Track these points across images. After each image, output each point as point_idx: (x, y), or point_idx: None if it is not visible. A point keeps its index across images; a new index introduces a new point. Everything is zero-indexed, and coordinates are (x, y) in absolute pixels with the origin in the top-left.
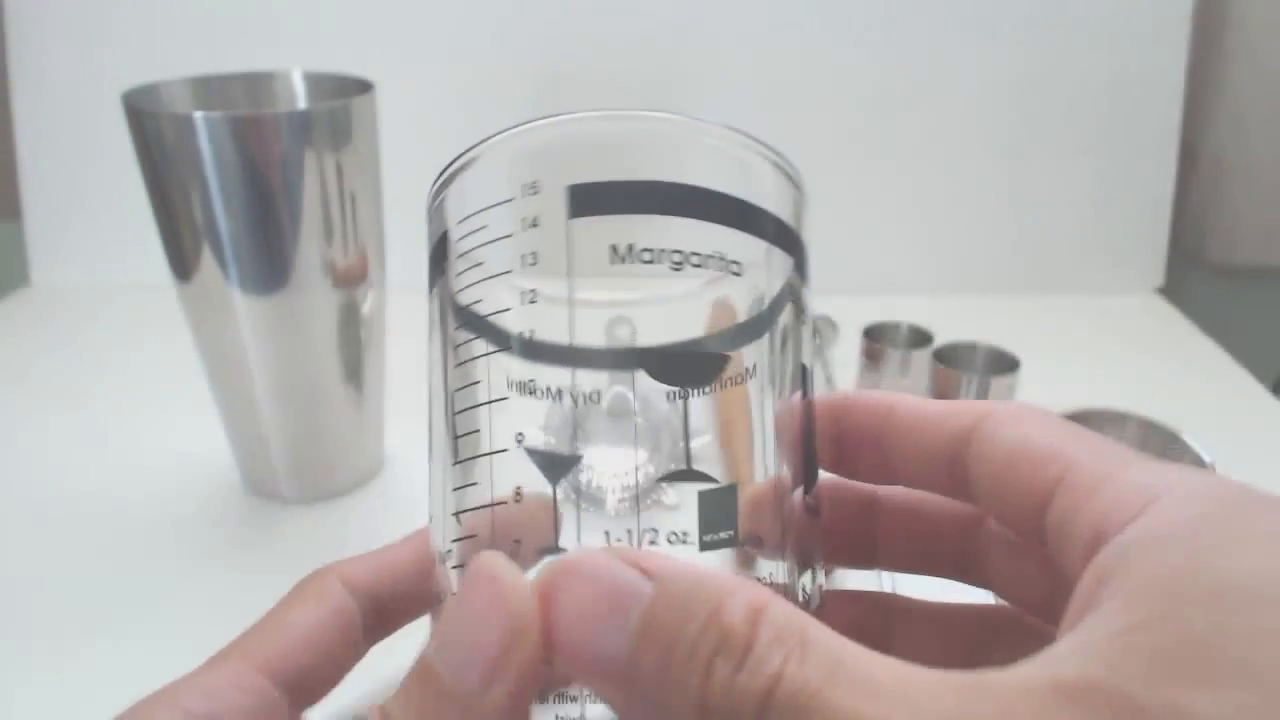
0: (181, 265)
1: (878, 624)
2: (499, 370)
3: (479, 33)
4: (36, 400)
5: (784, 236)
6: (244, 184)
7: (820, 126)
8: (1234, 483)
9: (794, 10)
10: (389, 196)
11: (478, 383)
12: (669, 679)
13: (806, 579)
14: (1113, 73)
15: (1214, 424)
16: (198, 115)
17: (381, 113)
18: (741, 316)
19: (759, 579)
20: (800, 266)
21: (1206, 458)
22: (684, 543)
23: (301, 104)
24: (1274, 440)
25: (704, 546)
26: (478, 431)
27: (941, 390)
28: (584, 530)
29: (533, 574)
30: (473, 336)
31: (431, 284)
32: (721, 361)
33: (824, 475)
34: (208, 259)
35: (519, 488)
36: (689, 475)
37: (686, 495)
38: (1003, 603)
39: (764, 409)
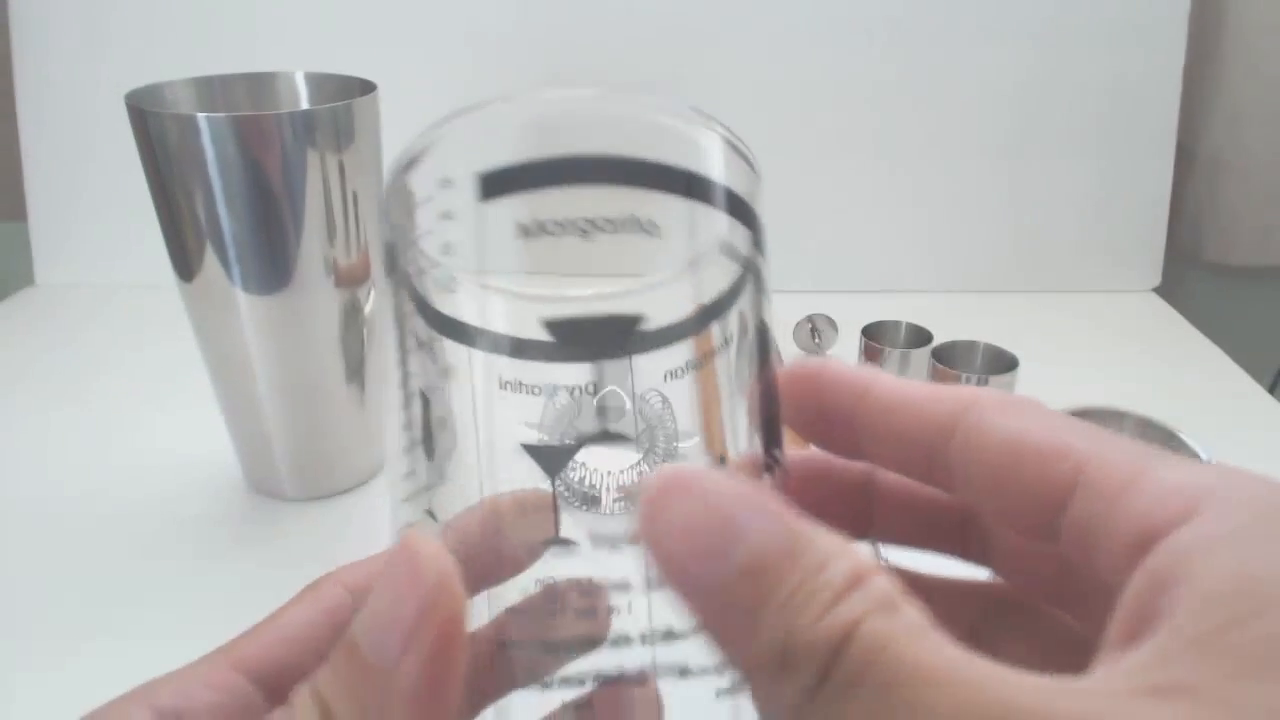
0: (184, 265)
1: None
2: (479, 368)
3: (481, 33)
4: (41, 399)
5: (737, 208)
6: (247, 184)
7: (820, 126)
8: (1273, 481)
9: (794, 11)
10: None
11: (453, 381)
12: (759, 615)
13: None
14: (1111, 74)
15: (1211, 422)
16: (201, 116)
17: (384, 113)
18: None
19: None
20: (758, 242)
21: (1203, 456)
22: None
23: (304, 105)
24: (1271, 439)
25: None
26: (454, 431)
27: None
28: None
29: (539, 567)
30: (440, 335)
31: (392, 280)
32: (633, 322)
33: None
34: (210, 259)
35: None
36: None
37: None
38: (1001, 581)
39: (733, 385)
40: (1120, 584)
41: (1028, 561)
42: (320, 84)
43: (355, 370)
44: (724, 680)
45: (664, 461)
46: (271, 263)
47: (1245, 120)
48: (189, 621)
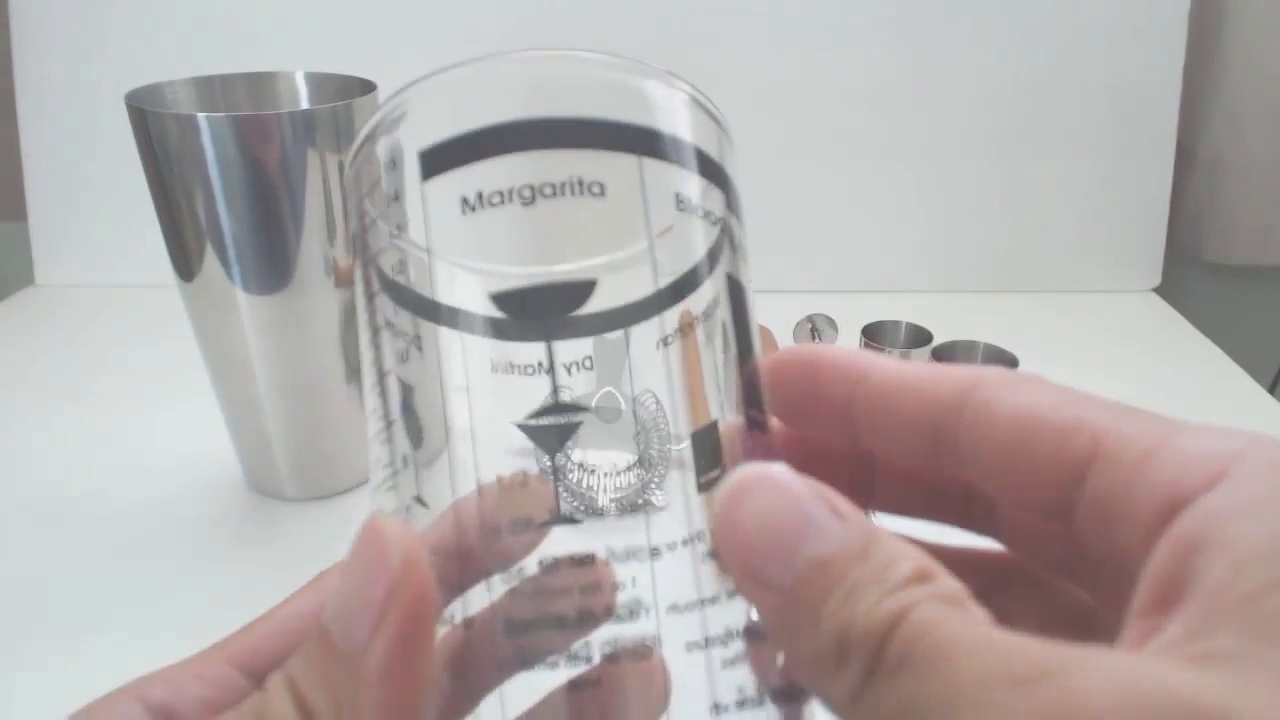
0: (185, 265)
1: None
2: (452, 346)
3: (481, 33)
4: (41, 399)
5: (708, 168)
6: (247, 184)
7: (820, 126)
8: None
9: (794, 11)
10: None
11: (432, 367)
12: (822, 608)
13: None
14: (1111, 74)
15: (1211, 422)
16: (201, 116)
17: None
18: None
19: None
20: (731, 203)
21: None
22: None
23: (304, 104)
24: None
25: (701, 488)
26: (429, 414)
27: None
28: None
29: (542, 553)
30: (409, 312)
31: (360, 262)
32: (588, 288)
33: None
34: (211, 259)
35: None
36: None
37: (674, 497)
38: (1006, 551)
39: (714, 351)
40: (1143, 554)
41: (1035, 532)
42: (320, 84)
43: (355, 370)
44: (729, 651)
45: (659, 463)
46: (271, 262)
47: (1245, 120)
48: (189, 621)
